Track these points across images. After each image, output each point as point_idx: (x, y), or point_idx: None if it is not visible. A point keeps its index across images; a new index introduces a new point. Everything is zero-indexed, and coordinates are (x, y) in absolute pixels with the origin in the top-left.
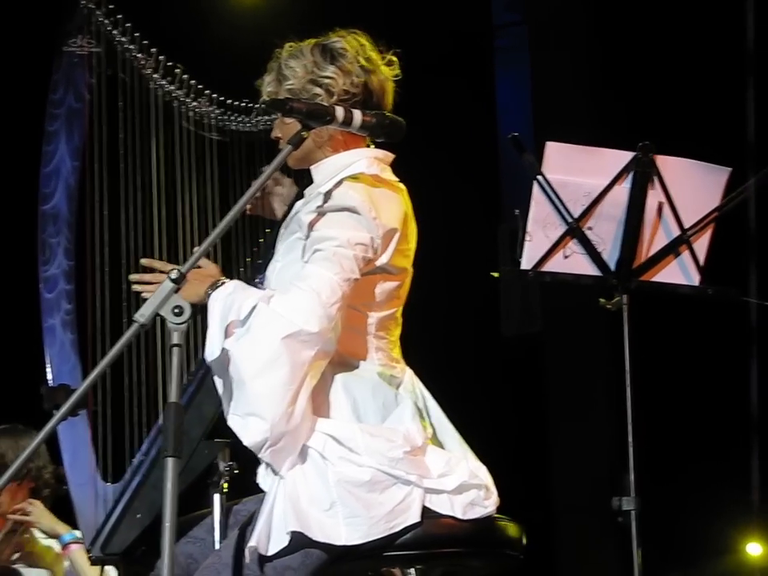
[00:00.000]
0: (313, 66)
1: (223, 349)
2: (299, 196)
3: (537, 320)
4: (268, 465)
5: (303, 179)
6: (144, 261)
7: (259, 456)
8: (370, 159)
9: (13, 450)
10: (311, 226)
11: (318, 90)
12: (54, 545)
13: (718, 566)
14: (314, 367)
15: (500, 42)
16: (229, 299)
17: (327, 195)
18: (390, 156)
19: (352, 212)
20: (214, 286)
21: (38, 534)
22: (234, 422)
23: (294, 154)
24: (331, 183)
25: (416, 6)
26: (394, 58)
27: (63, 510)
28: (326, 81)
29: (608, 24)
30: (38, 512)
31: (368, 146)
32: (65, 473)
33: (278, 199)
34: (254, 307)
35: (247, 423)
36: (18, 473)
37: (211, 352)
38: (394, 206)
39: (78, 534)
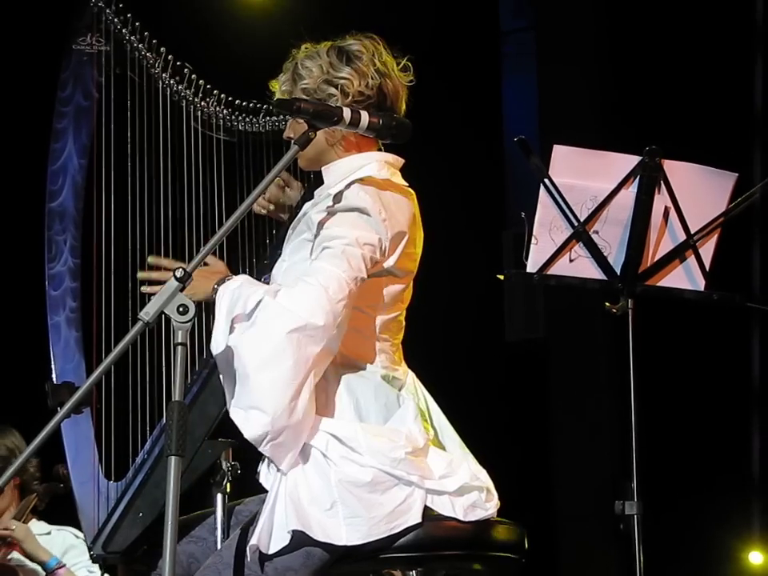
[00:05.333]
0: (329, 66)
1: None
2: (308, 198)
3: (540, 325)
4: (270, 463)
5: (309, 183)
6: (151, 259)
7: (260, 449)
8: (380, 163)
9: None
10: (321, 225)
11: (333, 91)
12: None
13: (720, 574)
14: (318, 364)
15: (507, 48)
16: (236, 293)
17: (338, 196)
18: (401, 161)
19: (362, 212)
20: (222, 281)
21: (17, 556)
22: (235, 414)
23: (306, 154)
24: (342, 185)
25: (423, 11)
26: (409, 64)
27: (65, 508)
28: (342, 81)
29: (615, 31)
30: (23, 534)
31: (379, 149)
32: (66, 471)
33: (286, 201)
34: (260, 301)
35: (249, 416)
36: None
37: (217, 345)
38: (403, 209)
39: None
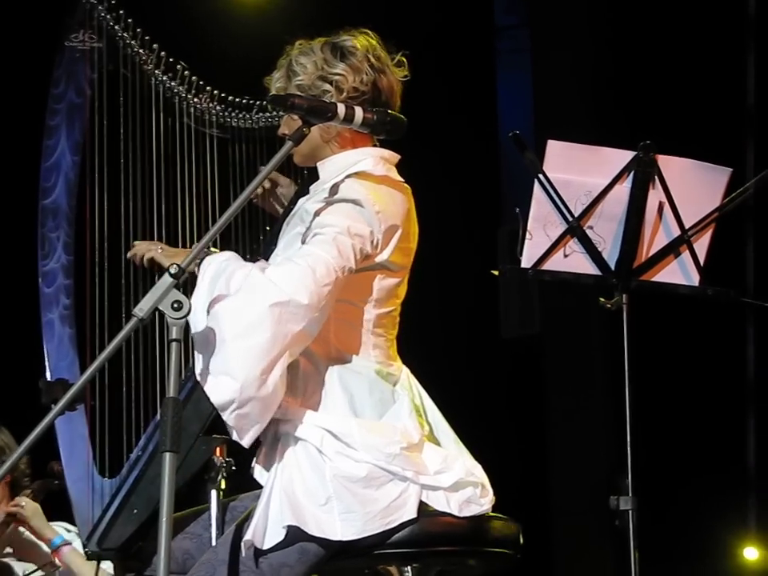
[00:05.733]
0: (323, 62)
1: (208, 309)
2: (303, 193)
3: (536, 322)
4: (265, 458)
5: (302, 179)
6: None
7: (224, 417)
8: (376, 158)
9: None
10: (315, 214)
11: (328, 87)
12: (43, 546)
13: (715, 570)
14: (294, 344)
15: (501, 44)
16: (223, 264)
17: (333, 189)
18: (396, 156)
19: (356, 204)
20: (209, 252)
21: (30, 536)
22: (205, 378)
23: (300, 150)
24: (338, 179)
25: (418, 8)
26: (404, 59)
27: (59, 504)
28: (336, 78)
29: (609, 26)
30: (31, 510)
31: (374, 145)
32: (60, 467)
33: (277, 197)
34: (247, 273)
35: (218, 381)
36: None
37: (195, 310)
38: (398, 203)
39: (66, 536)
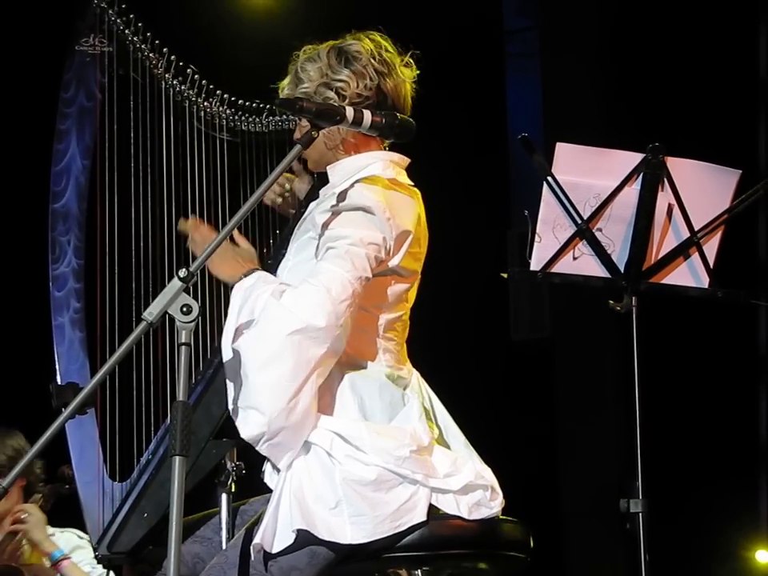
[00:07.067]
0: (327, 69)
1: (233, 342)
2: (313, 197)
3: (546, 325)
4: (270, 462)
5: (314, 181)
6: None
7: (257, 449)
8: (385, 162)
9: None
10: (325, 225)
11: (330, 94)
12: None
13: (726, 573)
14: (322, 365)
15: (511, 47)
16: (247, 292)
17: (342, 195)
18: (406, 160)
19: (366, 212)
20: (247, 273)
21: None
22: (235, 413)
23: (310, 155)
24: (346, 184)
25: (427, 11)
26: (411, 60)
27: (69, 508)
28: (339, 84)
29: (619, 29)
30: (33, 522)
31: (384, 149)
32: (71, 472)
33: (294, 195)
34: (265, 302)
35: (247, 416)
36: (4, 472)
37: (225, 343)
38: (408, 208)
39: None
